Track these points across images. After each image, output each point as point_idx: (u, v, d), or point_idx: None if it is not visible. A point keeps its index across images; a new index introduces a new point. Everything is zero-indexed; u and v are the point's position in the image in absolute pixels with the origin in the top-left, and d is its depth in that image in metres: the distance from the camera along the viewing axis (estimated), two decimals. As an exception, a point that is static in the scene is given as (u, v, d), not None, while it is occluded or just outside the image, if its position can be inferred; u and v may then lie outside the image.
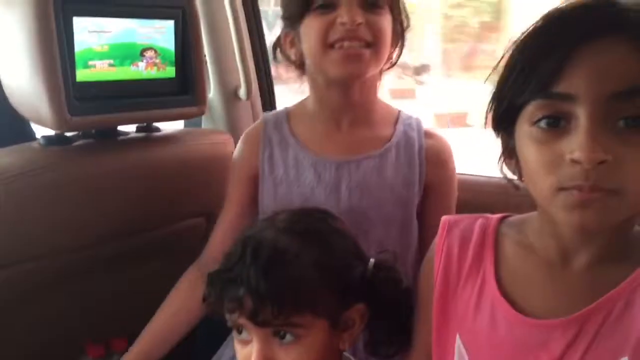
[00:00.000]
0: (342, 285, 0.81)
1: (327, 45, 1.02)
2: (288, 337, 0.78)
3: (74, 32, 1.00)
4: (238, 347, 0.82)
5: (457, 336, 0.81)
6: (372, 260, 0.87)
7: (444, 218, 0.88)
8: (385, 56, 1.07)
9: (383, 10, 1.04)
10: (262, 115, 1.29)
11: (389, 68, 1.13)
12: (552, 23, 0.66)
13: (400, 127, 1.13)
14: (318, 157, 1.11)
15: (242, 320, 0.78)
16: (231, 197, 1.18)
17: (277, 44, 1.15)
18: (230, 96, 1.51)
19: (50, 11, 0.95)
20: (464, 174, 1.26)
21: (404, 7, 1.10)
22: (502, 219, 0.85)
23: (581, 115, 0.63)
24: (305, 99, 1.17)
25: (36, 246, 1.05)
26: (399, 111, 1.16)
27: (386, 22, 1.05)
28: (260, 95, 1.58)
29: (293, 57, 1.11)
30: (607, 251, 0.72)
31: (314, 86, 1.12)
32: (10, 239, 1.02)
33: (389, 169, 1.09)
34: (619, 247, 0.72)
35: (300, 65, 1.12)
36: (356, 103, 1.10)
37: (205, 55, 1.43)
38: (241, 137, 1.21)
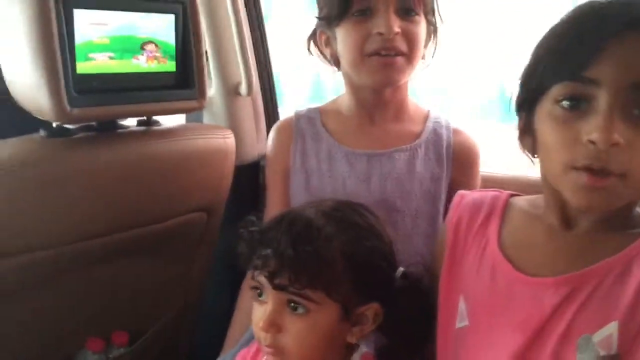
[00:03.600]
0: (363, 280, 0.84)
1: (363, 54, 1.05)
2: (300, 309, 0.82)
3: (74, 25, 1.00)
4: (255, 305, 0.86)
5: (461, 297, 0.84)
6: (400, 269, 0.90)
7: (458, 192, 0.94)
8: (418, 61, 1.11)
9: (418, 16, 1.06)
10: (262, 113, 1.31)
11: (422, 69, 1.15)
12: (587, 15, 0.72)
13: (429, 125, 1.16)
14: (350, 149, 1.14)
15: (263, 280, 0.83)
16: (272, 193, 1.22)
17: (312, 39, 1.17)
18: (231, 92, 1.52)
19: (51, 3, 0.95)
20: (489, 172, 1.27)
21: (437, 6, 1.12)
22: (514, 195, 0.91)
23: (602, 99, 0.69)
24: (337, 97, 1.21)
25: (35, 238, 1.05)
26: (429, 110, 1.19)
27: (421, 28, 1.08)
28: (261, 91, 1.58)
29: (328, 56, 1.14)
30: (607, 222, 0.76)
31: (348, 84, 1.16)
32: (10, 230, 1.02)
33: (418, 163, 1.13)
34: (620, 218, 0.77)
35: (335, 63, 1.14)
36: (388, 102, 1.14)
37: (206, 51, 1.43)
38: (272, 131, 1.25)
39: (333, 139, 1.16)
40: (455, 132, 1.16)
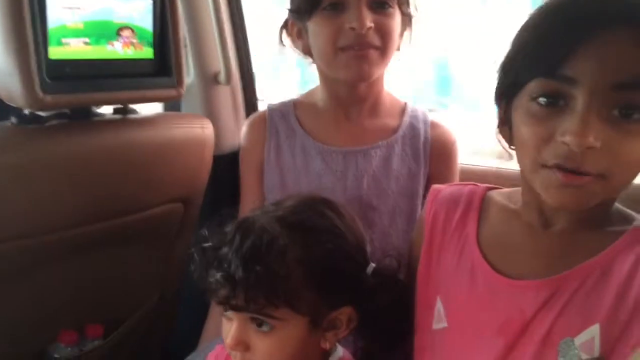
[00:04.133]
0: (329, 285, 0.80)
1: (336, 49, 1.04)
2: (264, 326, 0.78)
3: (46, 8, 0.97)
4: (224, 321, 0.83)
5: (438, 298, 0.83)
6: (371, 265, 0.85)
7: (433, 186, 0.92)
8: (393, 54, 1.09)
9: (392, 9, 1.04)
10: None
11: (396, 60, 1.13)
12: (566, 8, 0.69)
13: (406, 119, 1.15)
14: (326, 146, 1.12)
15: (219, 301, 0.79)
16: (246, 188, 1.21)
17: (285, 29, 1.14)
18: (209, 81, 1.49)
19: (23, -15, 0.92)
20: (467, 165, 1.27)
21: None
22: (491, 188, 0.87)
23: (579, 99, 0.66)
24: (312, 89, 1.18)
25: (4, 228, 1.02)
26: (405, 103, 1.17)
27: (395, 21, 1.06)
28: (241, 80, 1.56)
29: (300, 47, 1.12)
30: (586, 220, 0.76)
31: (322, 77, 1.14)
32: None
33: (395, 159, 1.11)
34: (598, 216, 0.76)
35: (308, 55, 1.12)
36: (363, 96, 1.12)
37: (185, 38, 1.41)
38: (245, 126, 1.23)
39: (307, 135, 1.14)
40: (433, 125, 1.15)
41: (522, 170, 0.75)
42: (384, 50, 1.04)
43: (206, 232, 0.85)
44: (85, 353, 1.22)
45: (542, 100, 0.69)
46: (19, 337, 1.16)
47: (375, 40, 1.02)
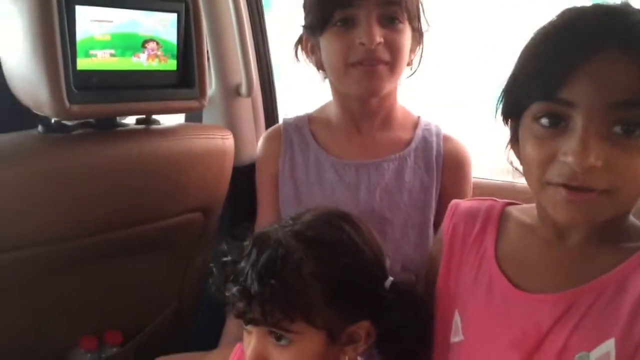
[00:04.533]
0: (346, 300, 0.80)
1: (347, 64, 1.05)
2: (282, 340, 0.78)
3: (76, 21, 1.00)
4: (244, 334, 0.84)
5: (456, 311, 0.83)
6: (389, 279, 0.85)
7: (452, 201, 0.93)
8: (403, 69, 1.10)
9: (402, 24, 1.04)
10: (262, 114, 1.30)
11: (409, 76, 1.14)
12: (563, 31, 0.70)
13: (419, 132, 1.15)
14: (338, 159, 1.13)
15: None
16: (262, 200, 1.22)
17: (299, 45, 1.16)
18: (231, 92, 1.51)
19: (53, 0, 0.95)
20: (481, 179, 1.26)
21: (422, 12, 1.10)
22: (510, 204, 0.89)
23: (578, 121, 0.67)
24: (326, 103, 1.19)
25: (30, 235, 1.04)
26: (419, 117, 1.18)
27: (405, 37, 1.06)
28: (262, 93, 1.58)
29: (314, 63, 1.13)
30: (601, 234, 0.76)
31: (335, 92, 1.15)
32: (4, 226, 1.01)
33: (408, 172, 1.11)
34: (613, 231, 0.76)
35: (320, 69, 1.14)
36: (375, 110, 1.13)
37: (207, 51, 1.43)
38: (261, 139, 1.25)
39: (321, 148, 1.15)
40: (446, 139, 1.15)
41: (531, 190, 0.76)
42: (393, 65, 1.05)
43: (225, 247, 0.86)
44: (105, 359, 1.24)
45: (544, 121, 0.70)
46: (40, 342, 1.18)
47: (385, 55, 1.03)
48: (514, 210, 0.88)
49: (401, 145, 1.14)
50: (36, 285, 1.12)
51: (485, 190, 1.18)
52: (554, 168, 0.69)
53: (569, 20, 0.71)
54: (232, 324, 1.20)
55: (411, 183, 1.11)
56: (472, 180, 1.21)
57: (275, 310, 0.76)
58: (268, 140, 1.22)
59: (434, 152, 1.13)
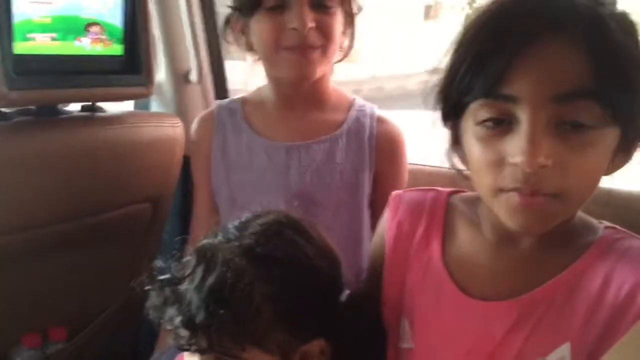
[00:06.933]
0: (301, 320, 0.74)
1: (278, 48, 1.03)
2: None
3: (11, 1, 0.95)
4: (186, 352, 0.75)
5: (403, 317, 0.81)
6: (346, 292, 0.80)
7: (393, 193, 0.88)
8: (335, 53, 1.08)
9: (333, 8, 1.03)
10: (214, 101, 1.27)
11: (340, 60, 1.13)
12: (497, 22, 0.65)
13: (352, 114, 1.14)
14: (270, 142, 1.12)
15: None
16: (199, 185, 1.19)
17: (228, 25, 1.13)
18: (180, 79, 1.47)
19: (-13, -22, 0.90)
20: (417, 164, 1.26)
21: None
22: (453, 193, 0.85)
23: (523, 118, 0.63)
24: (261, 86, 1.18)
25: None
26: (354, 98, 1.17)
27: (337, 21, 1.05)
28: (212, 79, 1.54)
29: (243, 45, 1.11)
30: (551, 235, 0.72)
31: (267, 75, 1.12)
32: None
33: (339, 153, 1.10)
34: (563, 230, 0.72)
35: (250, 50, 1.11)
36: (307, 93, 1.11)
37: (155, 36, 1.39)
38: (194, 123, 1.21)
39: (252, 131, 1.14)
40: (380, 120, 1.14)
41: (481, 195, 0.72)
42: (325, 49, 1.04)
43: (162, 264, 0.77)
44: (49, 356, 1.19)
45: (487, 122, 0.65)
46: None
47: (317, 40, 1.03)
48: (459, 202, 0.83)
49: (333, 126, 1.13)
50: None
51: (420, 175, 1.18)
52: (505, 173, 0.65)
53: (502, 13, 0.65)
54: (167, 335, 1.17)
55: (343, 164, 1.11)
56: (415, 167, 1.21)
57: (223, 340, 0.70)
58: (200, 123, 1.20)
59: (367, 133, 1.13)
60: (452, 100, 0.70)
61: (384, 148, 1.13)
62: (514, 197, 0.65)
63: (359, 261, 1.08)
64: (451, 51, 0.69)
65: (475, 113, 0.66)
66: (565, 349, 0.68)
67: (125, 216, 1.23)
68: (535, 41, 0.61)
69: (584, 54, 0.61)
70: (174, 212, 1.37)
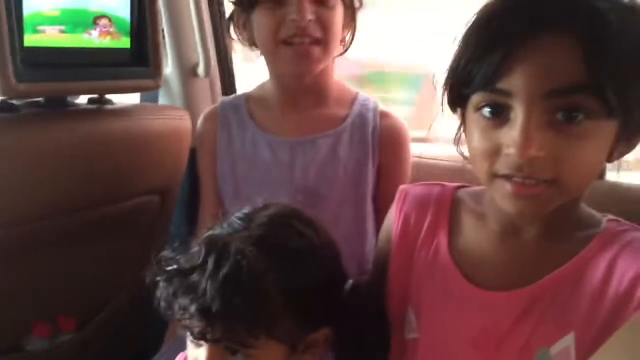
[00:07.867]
0: (310, 310, 0.75)
1: (278, 41, 1.03)
2: (239, 354, 0.73)
3: (22, -6, 0.96)
4: (190, 345, 0.77)
5: (409, 307, 0.81)
6: (350, 281, 0.82)
7: (400, 187, 0.90)
8: (335, 48, 1.09)
9: (333, 1, 1.04)
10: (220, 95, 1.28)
11: (341, 54, 1.13)
12: (495, 17, 0.67)
13: (356, 108, 1.15)
14: (274, 137, 1.13)
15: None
16: (205, 182, 1.20)
17: (232, 21, 1.14)
18: (188, 73, 1.48)
19: (-3, -29, 0.91)
20: (420, 157, 1.26)
21: None
22: (459, 187, 0.86)
23: (519, 111, 0.65)
24: (264, 82, 1.18)
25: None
26: (357, 92, 1.17)
27: (337, 15, 1.06)
28: (219, 73, 1.55)
29: (246, 40, 1.11)
30: (555, 226, 0.74)
31: (269, 70, 1.13)
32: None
33: (343, 148, 1.11)
34: (566, 223, 0.74)
35: (253, 46, 1.12)
36: (309, 87, 1.12)
37: (163, 30, 1.39)
38: (199, 121, 1.22)
39: (257, 127, 1.15)
40: (383, 115, 1.15)
41: (481, 181, 0.74)
42: (325, 43, 1.05)
43: (169, 253, 0.78)
44: (58, 345, 1.21)
45: (486, 112, 0.68)
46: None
47: (317, 32, 1.03)
48: (465, 196, 0.85)
49: (337, 121, 1.14)
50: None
51: (425, 169, 1.19)
52: (499, 160, 0.67)
53: (499, 8, 0.67)
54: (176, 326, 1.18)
55: (346, 159, 1.11)
56: (418, 160, 1.22)
57: (236, 328, 0.70)
58: (205, 120, 1.21)
59: (370, 127, 1.13)
60: (456, 90, 0.72)
61: (387, 142, 1.13)
62: (507, 185, 0.67)
63: (363, 254, 1.09)
64: (458, 44, 0.72)
65: (476, 102, 0.69)
66: (569, 339, 0.69)
67: (134, 207, 1.24)
68: (531, 37, 0.63)
69: (579, 48, 0.63)
70: (180, 203, 1.37)
